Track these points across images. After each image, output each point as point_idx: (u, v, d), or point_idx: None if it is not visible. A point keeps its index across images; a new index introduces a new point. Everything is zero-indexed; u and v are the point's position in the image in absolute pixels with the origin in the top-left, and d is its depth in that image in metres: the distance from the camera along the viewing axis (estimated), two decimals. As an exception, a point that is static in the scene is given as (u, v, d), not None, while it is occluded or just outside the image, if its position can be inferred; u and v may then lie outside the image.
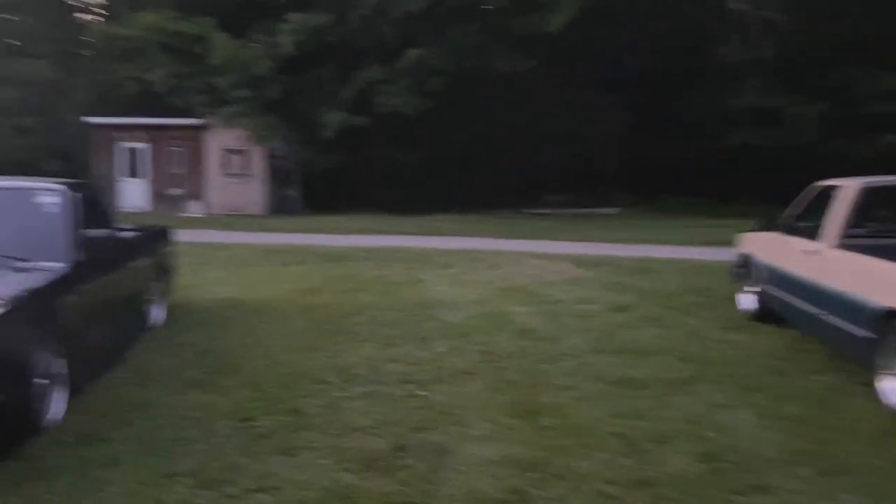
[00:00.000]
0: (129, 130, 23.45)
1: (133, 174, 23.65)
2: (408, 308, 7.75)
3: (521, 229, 17.34)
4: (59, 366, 4.28)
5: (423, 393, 4.86)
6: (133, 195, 23.28)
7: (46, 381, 4.12)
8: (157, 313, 6.83)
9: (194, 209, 22.73)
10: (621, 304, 7.98)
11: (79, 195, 5.05)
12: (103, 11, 29.02)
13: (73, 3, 29.32)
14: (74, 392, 4.45)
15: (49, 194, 4.88)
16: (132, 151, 23.56)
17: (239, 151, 22.64)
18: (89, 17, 29.90)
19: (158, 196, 23.27)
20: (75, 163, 24.98)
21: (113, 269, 5.40)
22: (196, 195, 23.08)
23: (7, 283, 4.07)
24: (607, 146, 24.31)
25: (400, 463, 3.76)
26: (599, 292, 8.79)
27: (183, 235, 15.47)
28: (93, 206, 5.46)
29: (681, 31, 22.70)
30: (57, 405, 4.23)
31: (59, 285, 4.39)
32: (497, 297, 8.44)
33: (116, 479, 3.50)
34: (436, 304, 7.99)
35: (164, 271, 7.06)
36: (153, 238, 6.98)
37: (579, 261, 11.61)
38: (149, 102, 23.54)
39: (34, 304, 4.06)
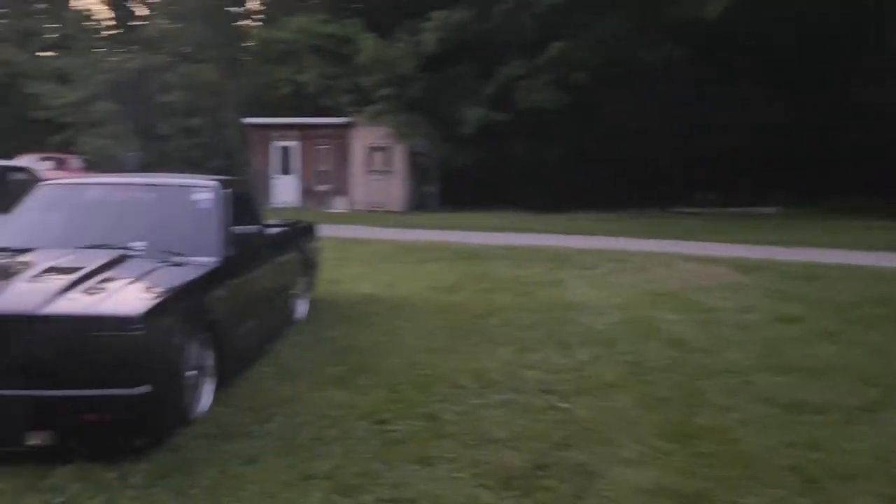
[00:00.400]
0: (281, 130, 24.69)
1: (285, 171, 24.87)
2: (546, 310, 7.45)
3: (669, 229, 16.35)
4: (209, 358, 4.39)
5: (565, 405, 4.56)
6: (284, 191, 24.50)
7: (196, 374, 4.23)
8: (301, 308, 6.98)
9: (339, 205, 23.56)
10: (787, 314, 7.22)
11: (228, 192, 5.18)
12: (261, 17, 30.78)
13: (236, 11, 31.31)
14: (221, 385, 4.55)
15: (201, 191, 5.04)
16: (284, 150, 24.78)
17: (381, 149, 23.19)
18: (249, 23, 31.83)
19: (307, 192, 24.33)
20: (235, 161, 26.76)
21: (261, 264, 5.52)
22: (341, 191, 23.91)
23: (161, 277, 4.21)
24: (763, 141, 22.57)
25: (541, 483, 3.49)
26: (761, 300, 8.03)
27: (327, 231, 16.08)
28: (242, 202, 5.61)
29: (848, 16, 20.61)
30: (205, 398, 4.34)
31: (210, 279, 4.50)
32: (644, 303, 7.92)
33: (256, 478, 3.49)
34: (576, 308, 7.62)
35: (308, 266, 7.20)
36: (299, 234, 7.14)
37: (736, 264, 10.73)
38: (300, 102, 24.70)
39: (186, 297, 4.18)
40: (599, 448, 3.92)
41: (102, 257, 4.34)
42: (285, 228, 6.81)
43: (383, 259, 11.67)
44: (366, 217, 20.71)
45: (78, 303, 3.64)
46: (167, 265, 4.45)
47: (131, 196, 4.97)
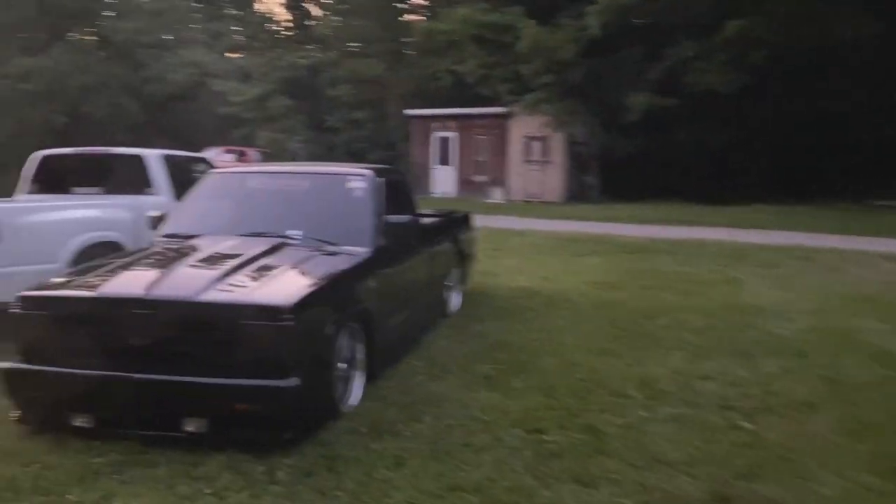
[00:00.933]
0: (441, 120, 24.93)
1: (444, 162, 25.11)
2: (721, 313, 6.72)
3: (867, 224, 14.43)
4: (359, 351, 4.27)
5: (749, 426, 3.96)
6: (443, 182, 24.76)
7: (346, 366, 4.12)
8: (454, 300, 6.79)
9: (496, 195, 23.40)
10: None
11: (382, 181, 5.05)
12: (425, 10, 31.28)
13: (401, 6, 32.04)
14: (371, 379, 4.43)
15: (355, 180, 4.94)
16: (444, 140, 25.01)
17: (540, 138, 22.69)
18: (413, 17, 32.49)
19: (464, 182, 24.41)
20: (397, 152, 27.43)
21: (414, 255, 5.37)
22: (498, 182, 23.73)
23: (314, 267, 4.13)
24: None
25: (723, 520, 2.99)
26: None
27: (483, 221, 15.91)
28: (396, 192, 5.48)
29: None
30: (355, 391, 4.23)
31: (362, 270, 4.37)
32: (840, 308, 6.95)
33: (402, 484, 3.28)
34: (757, 311, 6.82)
35: (463, 258, 6.99)
36: (454, 224, 6.95)
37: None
38: (460, 93, 24.77)
39: (338, 288, 4.07)
40: (793, 481, 3.33)
41: (261, 245, 4.34)
42: (440, 218, 6.65)
43: (540, 251, 11.27)
44: (522, 208, 20.37)
45: (232, 291, 3.62)
46: (321, 254, 4.38)
47: (290, 184, 4.97)
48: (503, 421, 4.02)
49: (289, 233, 4.57)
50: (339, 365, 4.04)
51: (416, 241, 5.47)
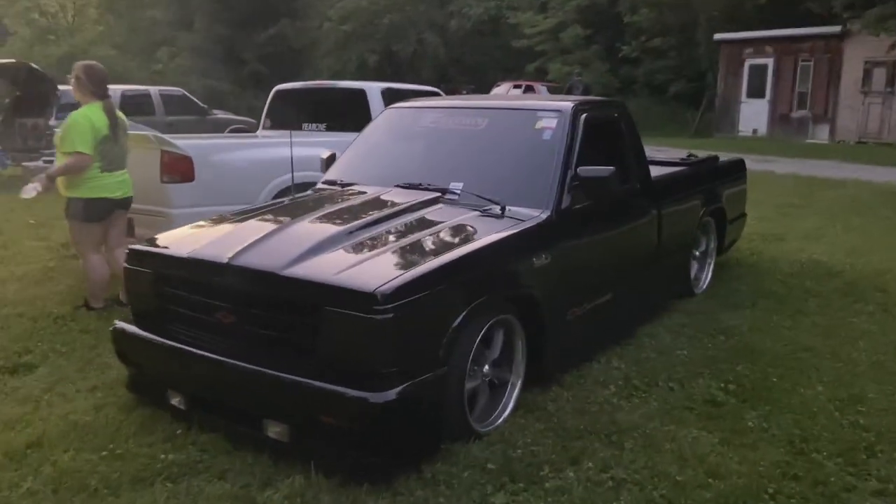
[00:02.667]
0: (755, 45, 21.36)
1: (756, 94, 21.63)
2: None
3: None
4: (518, 352, 3.19)
5: None
6: (753, 118, 21.39)
7: (493, 372, 3.07)
8: (702, 276, 5.22)
9: (819, 134, 19.56)
10: None
11: (584, 119, 3.73)
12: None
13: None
14: (538, 386, 3.32)
15: (546, 117, 3.70)
16: (758, 69, 21.47)
17: (884, 64, 18.17)
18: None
19: (779, 119, 20.78)
20: (705, 84, 24.37)
21: (626, 218, 4.01)
22: (822, 118, 19.75)
23: (453, 236, 3.07)
24: None
25: None
26: None
27: (794, 167, 13.21)
28: (610, 133, 4.11)
29: None
30: (507, 405, 3.16)
31: (528, 241, 3.22)
32: None
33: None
34: None
35: (720, 219, 5.32)
36: (708, 175, 5.26)
37: None
38: (781, 12, 20.87)
39: (479, 267, 2.96)
40: None
41: (404, 202, 3.41)
42: (685, 168, 5.04)
43: (858, 211, 8.70)
44: (852, 151, 16.62)
45: (323, 266, 2.75)
46: (476, 218, 3.31)
47: (468, 123, 3.91)
48: (706, 487, 2.64)
49: (451, 185, 3.56)
50: (482, 370, 3.01)
51: (632, 199, 4.08)
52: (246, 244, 2.93)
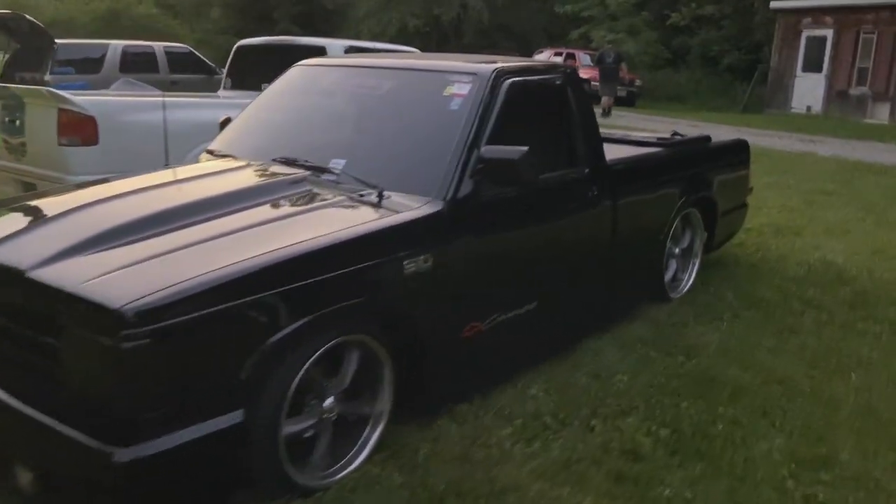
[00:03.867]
0: (815, 15, 19.73)
1: (811, 68, 20.06)
2: None
3: None
4: (383, 392, 2.53)
5: None
6: (807, 94, 19.87)
7: (324, 419, 2.39)
8: (682, 277, 4.44)
9: (879, 114, 18.02)
10: None
11: (507, 85, 2.98)
12: None
13: None
14: (428, 413, 2.67)
15: (458, 83, 2.95)
16: (815, 41, 19.87)
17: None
18: None
19: (836, 96, 19.21)
20: (760, 56, 22.80)
21: (555, 212, 3.24)
22: (884, 96, 18.16)
23: (295, 232, 2.39)
24: None
25: None
26: None
27: (841, 148, 12.01)
28: (548, 104, 3.35)
29: None
30: (363, 441, 2.51)
31: (400, 241, 2.51)
32: None
33: None
34: None
35: (707, 212, 4.50)
36: (689, 159, 4.41)
37: None
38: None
39: (311, 275, 2.25)
40: None
41: (260, 182, 2.76)
42: (657, 151, 4.20)
43: (898, 202, 7.67)
44: (912, 133, 15.19)
45: (78, 268, 2.10)
46: (340, 206, 2.63)
47: (372, 87, 3.20)
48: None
49: (332, 163, 2.88)
50: (321, 405, 2.35)
51: (575, 186, 3.32)
52: (10, 232, 2.31)
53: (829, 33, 19.32)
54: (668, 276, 4.34)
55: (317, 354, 2.26)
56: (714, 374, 3.27)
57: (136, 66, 11.87)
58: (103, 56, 11.89)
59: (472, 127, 2.82)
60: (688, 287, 4.47)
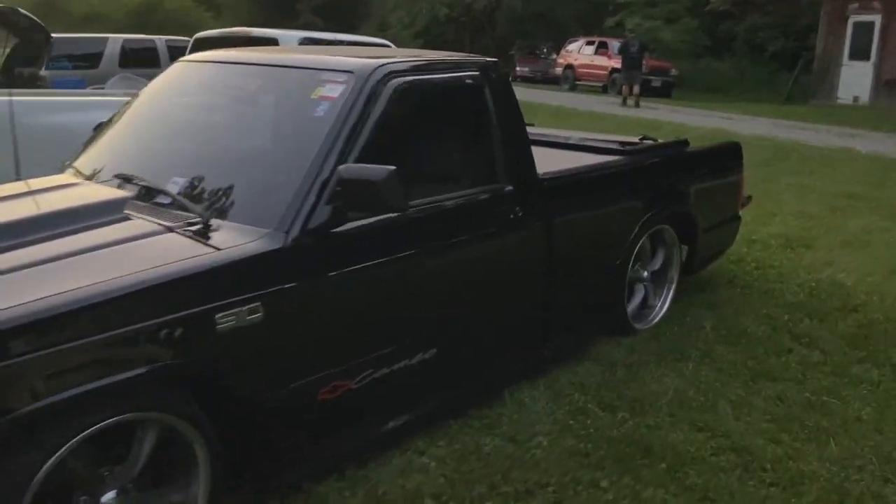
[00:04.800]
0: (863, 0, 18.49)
1: (859, 56, 18.79)
2: None
3: None
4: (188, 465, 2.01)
5: None
6: (854, 83, 18.63)
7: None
8: (654, 303, 3.82)
9: (932, 105, 16.74)
10: None
11: (399, 86, 2.42)
12: None
13: None
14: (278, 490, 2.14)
15: (325, 84, 2.40)
16: (862, 27, 18.59)
17: None
18: None
19: (884, 85, 17.94)
20: (807, 44, 21.55)
21: (463, 239, 2.66)
22: (939, 85, 16.87)
23: (64, 279, 1.88)
24: None
25: None
26: None
27: (881, 144, 11.02)
28: (457, 108, 2.78)
29: None
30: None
31: (187, 290, 1.96)
32: None
33: None
34: None
35: (685, 229, 3.86)
36: (658, 168, 3.73)
37: None
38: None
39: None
40: None
41: (70, 205, 2.27)
42: (614, 160, 3.55)
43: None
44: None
45: None
46: (153, 238, 2.11)
47: (235, 87, 2.69)
48: None
49: (171, 183, 2.37)
50: (95, 502, 1.87)
51: (492, 206, 2.74)
52: None
53: (877, 19, 18.04)
54: (634, 304, 3.74)
55: (75, 441, 1.75)
56: (654, 440, 2.67)
57: (137, 60, 11.59)
58: (102, 51, 11.63)
59: (338, 139, 2.27)
60: (661, 315, 3.85)
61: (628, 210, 3.46)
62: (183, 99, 2.82)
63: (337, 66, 2.48)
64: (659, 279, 3.88)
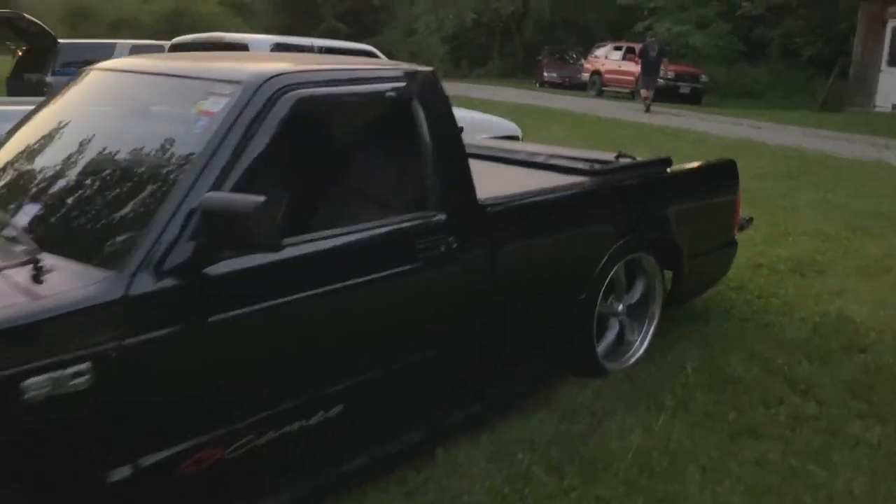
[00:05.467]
0: (904, 2, 17.64)
1: (898, 62, 17.97)
2: None
3: None
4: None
5: None
6: (893, 91, 17.81)
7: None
8: (632, 340, 3.40)
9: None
10: None
11: (298, 100, 2.07)
12: None
13: None
14: None
15: (210, 96, 2.06)
16: (903, 31, 17.77)
17: None
18: None
19: (926, 92, 17.11)
20: (845, 49, 20.71)
21: (380, 276, 2.27)
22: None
23: None
24: None
25: None
26: None
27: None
28: (377, 124, 2.42)
29: None
30: None
31: (11, 352, 1.63)
32: None
33: None
34: None
35: (669, 256, 3.43)
36: (633, 190, 3.27)
37: None
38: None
39: None
40: None
41: None
42: (577, 182, 3.11)
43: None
44: None
45: None
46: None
47: (126, 100, 2.36)
48: None
49: (21, 213, 2.05)
50: None
51: (419, 235, 2.36)
52: None
53: (918, 22, 17.22)
54: (607, 341, 3.32)
55: None
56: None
57: (146, 66, 11.46)
58: (110, 56, 11.52)
59: (212, 162, 1.93)
60: (640, 353, 3.43)
61: (594, 237, 3.06)
62: (71, 112, 2.50)
63: (223, 76, 2.14)
64: (638, 313, 3.46)
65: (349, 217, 2.23)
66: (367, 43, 26.05)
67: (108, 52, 11.82)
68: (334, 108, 2.25)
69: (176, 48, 5.87)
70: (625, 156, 3.44)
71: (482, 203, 2.59)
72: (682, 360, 3.40)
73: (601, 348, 3.27)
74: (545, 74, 26.72)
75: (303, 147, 2.12)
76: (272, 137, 2.04)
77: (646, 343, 3.48)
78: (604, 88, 22.30)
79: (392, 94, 2.38)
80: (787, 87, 22.98)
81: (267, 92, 2.06)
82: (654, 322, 3.50)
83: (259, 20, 25.64)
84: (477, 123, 6.28)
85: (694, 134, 12.44)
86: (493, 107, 17.17)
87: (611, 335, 3.36)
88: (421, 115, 2.43)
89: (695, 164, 3.75)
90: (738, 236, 3.96)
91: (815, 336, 3.71)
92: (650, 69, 16.32)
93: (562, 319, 3.00)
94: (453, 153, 2.51)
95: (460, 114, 6.45)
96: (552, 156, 3.38)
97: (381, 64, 2.59)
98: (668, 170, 3.44)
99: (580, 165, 3.17)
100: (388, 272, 2.30)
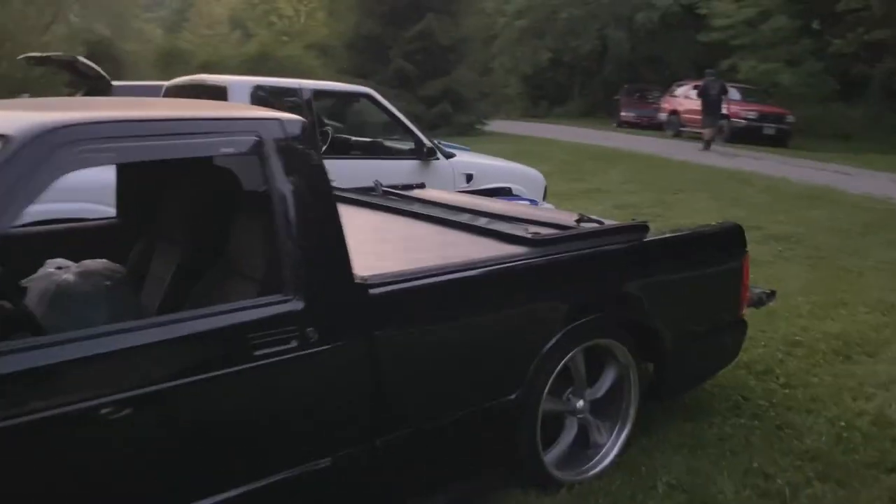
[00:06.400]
0: None
1: None
2: None
3: None
4: None
5: None
6: None
7: None
8: (599, 442, 2.79)
9: None
10: None
11: (76, 151, 1.67)
12: None
13: None
14: None
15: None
16: None
17: None
18: None
19: None
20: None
21: (188, 385, 1.80)
22: None
23: None
24: None
25: None
26: None
27: None
28: (213, 184, 1.97)
29: None
30: None
31: None
32: None
33: None
34: None
35: (648, 343, 2.80)
36: (589, 261, 2.63)
37: None
38: None
39: None
40: None
41: None
42: (522, 250, 2.52)
43: None
44: None
45: None
46: None
47: None
48: None
49: None
50: None
51: (238, 335, 1.87)
52: None
53: None
54: (562, 446, 2.72)
55: None
56: None
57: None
58: (158, 95, 11.76)
59: None
60: (610, 459, 2.80)
61: (533, 322, 2.48)
62: None
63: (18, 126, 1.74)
64: (608, 410, 2.84)
65: (149, 307, 1.78)
66: (435, 83, 25.88)
67: (158, 92, 12.14)
68: (144, 166, 1.82)
69: (172, 90, 5.71)
70: (588, 219, 2.84)
71: (362, 283, 2.08)
72: (659, 471, 2.75)
73: (552, 455, 2.67)
74: (622, 114, 26.00)
75: (91, 212, 1.71)
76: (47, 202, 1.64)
77: (617, 446, 2.84)
78: (681, 129, 21.31)
79: (230, 149, 1.94)
80: (886, 130, 21.28)
81: (40, 146, 1.66)
82: (629, 422, 2.86)
83: (336, 62, 26.14)
84: (497, 171, 5.79)
85: (768, 180, 11.45)
86: (554, 147, 16.63)
87: (568, 437, 2.75)
88: (274, 174, 1.96)
89: (685, 231, 3.10)
90: (779, 306, 3.27)
91: (838, 445, 2.96)
92: (712, 107, 15.71)
93: (483, 425, 2.43)
94: (321, 222, 2.03)
95: (479, 160, 6.10)
96: (496, 216, 2.84)
97: (234, 109, 2.15)
98: (646, 237, 2.81)
99: (520, 232, 2.60)
100: (214, 373, 1.82)
